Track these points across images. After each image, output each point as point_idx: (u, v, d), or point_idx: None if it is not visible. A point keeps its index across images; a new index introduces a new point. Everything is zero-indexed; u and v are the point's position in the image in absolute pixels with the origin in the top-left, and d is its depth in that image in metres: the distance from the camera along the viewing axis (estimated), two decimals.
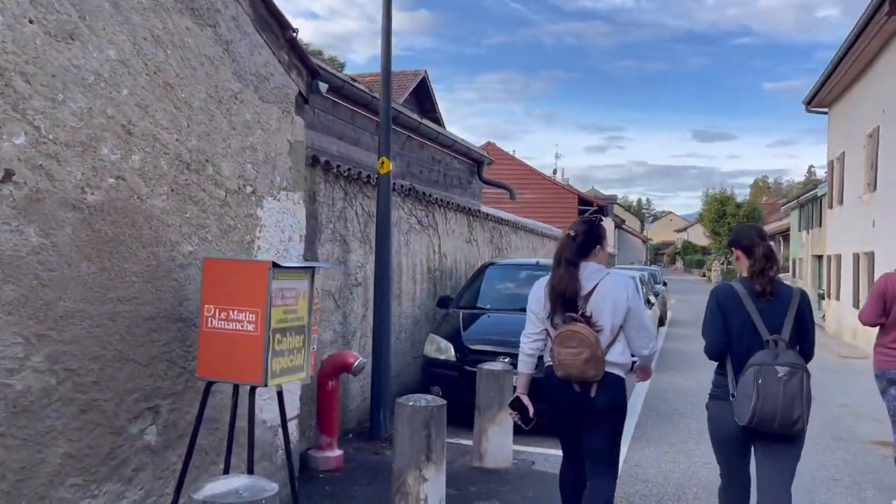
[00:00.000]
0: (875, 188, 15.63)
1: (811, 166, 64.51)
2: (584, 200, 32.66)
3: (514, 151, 34.87)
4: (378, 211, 6.34)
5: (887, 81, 14.63)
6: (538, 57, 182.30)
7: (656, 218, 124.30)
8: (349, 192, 6.49)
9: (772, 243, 3.56)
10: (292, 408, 4.65)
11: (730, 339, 3.33)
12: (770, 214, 56.03)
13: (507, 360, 6.58)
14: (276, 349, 3.33)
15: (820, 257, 24.02)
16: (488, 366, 5.62)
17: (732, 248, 3.55)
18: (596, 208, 32.67)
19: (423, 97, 22.64)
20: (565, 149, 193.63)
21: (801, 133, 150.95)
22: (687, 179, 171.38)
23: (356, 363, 5.30)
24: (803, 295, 3.38)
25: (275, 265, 3.30)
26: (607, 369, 3.33)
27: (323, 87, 4.90)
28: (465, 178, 11.24)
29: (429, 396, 4.15)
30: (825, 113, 20.98)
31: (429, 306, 8.40)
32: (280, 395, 3.64)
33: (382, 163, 6.30)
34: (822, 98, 19.82)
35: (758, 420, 3.12)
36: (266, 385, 3.30)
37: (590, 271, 3.43)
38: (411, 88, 21.84)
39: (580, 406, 3.38)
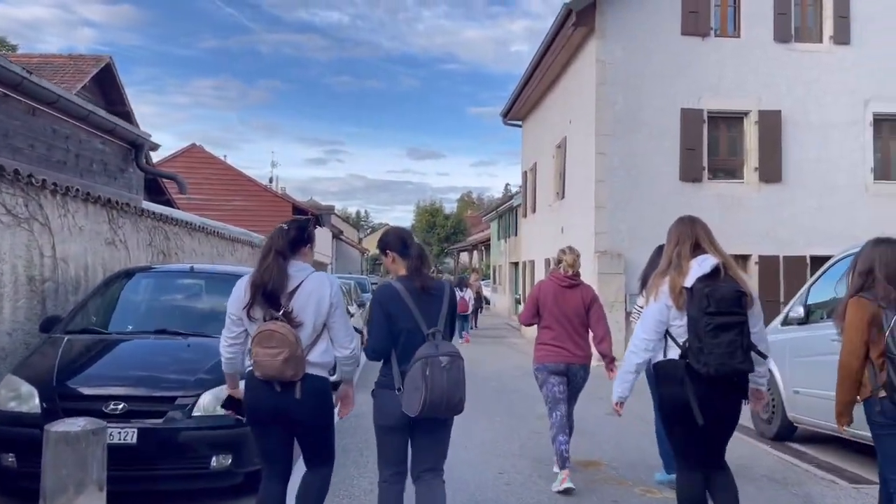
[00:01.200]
0: (563, 196, 16.30)
1: (507, 184, 71.16)
2: (299, 209, 32.58)
3: (225, 156, 32.31)
4: None
5: (573, 93, 15.27)
6: (256, 65, 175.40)
7: (374, 230, 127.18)
8: None
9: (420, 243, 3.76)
10: None
11: (395, 335, 3.43)
12: (474, 226, 59.83)
13: (120, 407, 4.59)
14: None
15: (516, 264, 25.25)
16: (60, 426, 3.58)
17: (386, 252, 3.60)
18: (310, 217, 32.08)
19: (108, 87, 19.19)
20: (287, 160, 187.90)
21: (499, 154, 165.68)
22: (403, 194, 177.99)
23: None
24: (451, 288, 3.62)
25: None
26: (308, 370, 3.29)
27: None
28: (114, 163, 8.84)
29: None
30: (519, 126, 21.96)
31: (32, 331, 5.99)
32: None
33: None
34: (517, 111, 20.62)
35: (428, 408, 3.26)
36: None
37: (296, 269, 3.37)
38: (92, 74, 18.34)
39: (283, 407, 3.29)
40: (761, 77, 13.51)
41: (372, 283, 39.95)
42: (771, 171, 13.47)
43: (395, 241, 3.58)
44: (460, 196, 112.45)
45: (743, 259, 13.63)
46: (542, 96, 18.43)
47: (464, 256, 54.22)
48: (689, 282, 3.35)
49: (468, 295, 18.80)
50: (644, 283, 5.11)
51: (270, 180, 45.26)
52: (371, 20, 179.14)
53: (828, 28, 13.60)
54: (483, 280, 36.07)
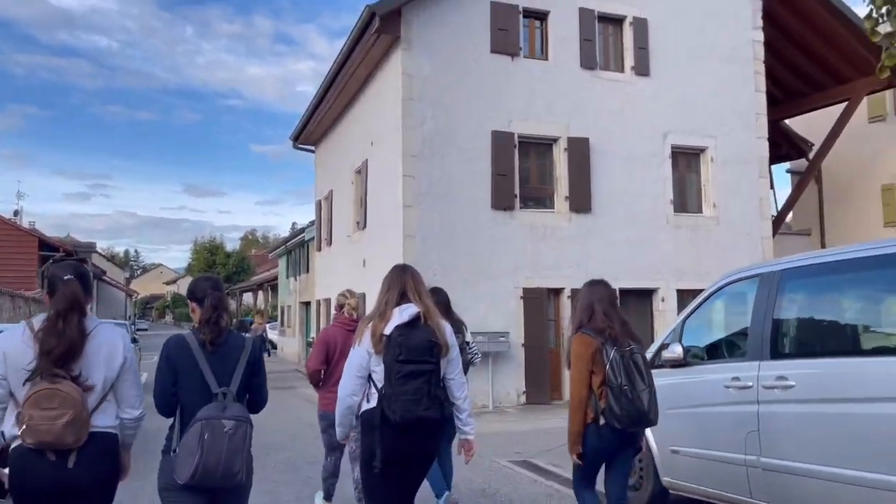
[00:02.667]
0: (365, 226, 14.61)
1: (294, 223, 68.62)
2: (49, 246, 28.88)
3: None
4: None
5: (376, 110, 13.75)
6: (5, 89, 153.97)
7: (146, 270, 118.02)
8: None
9: (224, 292, 3.45)
10: None
11: (180, 391, 3.18)
12: (259, 265, 56.28)
13: None
14: None
15: (308, 304, 23.02)
16: None
17: (188, 301, 3.40)
18: (63, 254, 29.37)
19: None
20: (42, 195, 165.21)
21: (286, 193, 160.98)
22: (179, 232, 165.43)
23: None
24: (255, 344, 3.37)
25: None
26: (93, 431, 2.90)
27: None
28: None
29: None
30: (312, 151, 20.04)
31: None
32: None
33: None
34: (309, 133, 18.70)
35: (200, 476, 2.99)
36: None
37: (86, 321, 3.00)
38: None
39: (57, 480, 2.87)
40: (570, 103, 13.01)
41: (139, 330, 34.88)
42: (581, 201, 12.91)
43: (195, 289, 3.39)
44: (244, 235, 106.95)
45: (556, 293, 12.85)
46: (339, 116, 16.71)
47: (248, 297, 50.33)
48: (388, 329, 3.44)
49: None
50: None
51: (15, 213, 39.56)
52: (145, 49, 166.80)
53: (629, 58, 13.52)
54: (269, 322, 33.16)
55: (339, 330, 5.43)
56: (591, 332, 3.85)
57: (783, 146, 17.66)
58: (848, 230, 17.67)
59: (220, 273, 54.25)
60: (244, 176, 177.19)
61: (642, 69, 13.47)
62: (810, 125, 18.06)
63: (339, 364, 5.16)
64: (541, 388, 12.44)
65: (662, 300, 13.40)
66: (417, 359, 3.38)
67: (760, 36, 14.25)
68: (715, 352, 5.28)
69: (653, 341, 13.25)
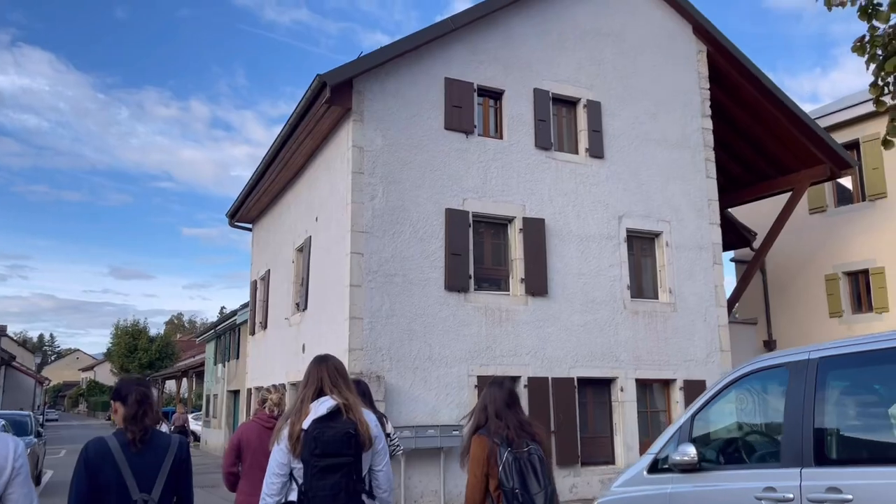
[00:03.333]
0: (305, 307, 13.55)
1: (223, 307, 66.11)
2: None
3: None
4: None
5: (323, 185, 12.99)
6: None
7: (61, 356, 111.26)
8: None
9: (151, 390, 3.36)
10: None
11: (98, 499, 3.08)
12: (185, 351, 53.40)
13: None
14: None
15: (236, 392, 21.36)
16: None
17: (112, 402, 3.32)
18: None
19: None
20: None
21: (214, 277, 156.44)
22: (101, 316, 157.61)
23: None
24: (181, 443, 3.33)
25: None
26: None
27: None
28: None
29: None
30: (249, 229, 19.02)
31: None
32: None
33: None
34: (248, 209, 17.73)
35: None
36: None
37: None
38: None
39: None
40: (525, 183, 12.59)
41: (49, 420, 31.91)
42: (537, 284, 12.29)
43: (119, 388, 3.29)
44: (169, 319, 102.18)
45: (512, 381, 11.98)
46: (281, 191, 15.87)
47: (171, 385, 47.33)
48: (306, 424, 3.34)
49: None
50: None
51: None
52: (76, 129, 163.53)
53: (583, 140, 13.31)
54: (193, 412, 30.91)
55: (256, 426, 5.24)
56: (487, 434, 3.79)
57: (727, 234, 17.70)
58: (794, 320, 17.63)
59: (143, 358, 51.14)
60: (173, 259, 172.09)
61: (597, 151, 13.26)
62: (750, 215, 18.29)
63: (252, 464, 5.05)
64: None
65: (621, 390, 12.70)
66: (333, 452, 3.28)
67: (709, 124, 14.38)
68: (735, 455, 4.51)
69: (612, 434, 12.68)
